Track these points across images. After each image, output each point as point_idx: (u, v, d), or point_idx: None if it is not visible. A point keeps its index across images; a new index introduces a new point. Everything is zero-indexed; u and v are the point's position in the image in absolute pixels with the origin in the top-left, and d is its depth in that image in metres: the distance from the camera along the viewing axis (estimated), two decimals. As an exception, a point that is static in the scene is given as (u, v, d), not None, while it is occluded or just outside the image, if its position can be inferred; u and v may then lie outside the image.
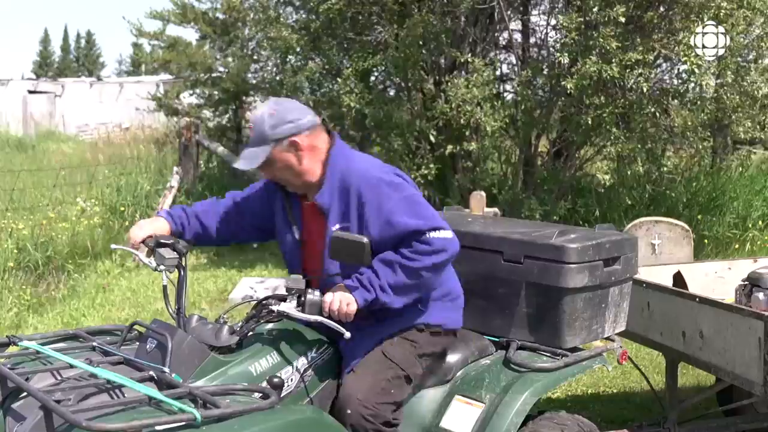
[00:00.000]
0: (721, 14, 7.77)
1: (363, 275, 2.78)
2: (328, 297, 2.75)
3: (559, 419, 3.08)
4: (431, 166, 8.99)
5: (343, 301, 2.74)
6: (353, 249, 2.59)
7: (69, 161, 15.12)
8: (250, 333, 2.69)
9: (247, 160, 2.83)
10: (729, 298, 4.19)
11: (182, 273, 2.84)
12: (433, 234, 2.80)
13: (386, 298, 2.79)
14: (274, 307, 2.60)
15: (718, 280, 4.64)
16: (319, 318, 2.60)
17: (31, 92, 27.77)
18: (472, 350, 3.12)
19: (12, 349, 2.70)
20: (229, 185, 10.08)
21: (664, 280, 4.36)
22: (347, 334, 2.64)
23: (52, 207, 10.16)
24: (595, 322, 3.21)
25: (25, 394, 2.38)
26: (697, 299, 3.73)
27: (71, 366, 2.44)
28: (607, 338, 3.39)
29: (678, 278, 4.46)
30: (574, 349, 3.16)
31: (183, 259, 2.84)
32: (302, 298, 2.58)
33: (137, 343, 2.64)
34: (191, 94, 15.22)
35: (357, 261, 2.62)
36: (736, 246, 9.00)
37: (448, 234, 2.83)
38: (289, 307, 2.59)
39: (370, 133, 9.92)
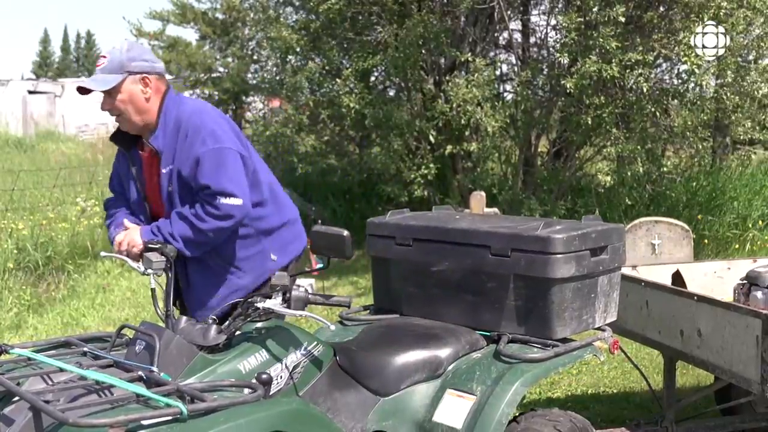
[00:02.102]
0: (721, 14, 7.75)
1: (161, 223, 3.05)
2: (119, 237, 3.09)
3: (551, 415, 3.07)
4: (431, 166, 8.98)
5: (129, 241, 3.05)
6: (334, 242, 2.60)
7: (69, 161, 15.15)
8: (238, 332, 2.70)
9: (99, 83, 3.04)
10: (728, 297, 4.17)
11: (170, 276, 2.94)
12: (222, 199, 2.97)
13: (176, 245, 3.01)
14: (260, 304, 2.60)
15: (717, 279, 4.62)
16: (305, 313, 2.61)
17: (31, 92, 27.78)
18: (462, 344, 3.11)
19: (4, 358, 2.71)
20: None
21: (664, 279, 4.34)
22: (332, 327, 2.70)
23: (51, 207, 10.16)
24: (585, 312, 3.20)
25: (16, 398, 2.38)
26: (696, 298, 3.71)
27: (61, 370, 2.46)
28: (599, 329, 3.38)
29: (677, 278, 4.45)
30: (564, 340, 3.15)
31: (170, 262, 2.94)
32: (287, 295, 2.59)
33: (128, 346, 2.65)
34: (191, 94, 15.24)
35: (338, 254, 2.63)
36: (736, 246, 8.96)
37: (237, 201, 3.00)
38: (275, 303, 2.59)
39: (370, 133, 9.91)
